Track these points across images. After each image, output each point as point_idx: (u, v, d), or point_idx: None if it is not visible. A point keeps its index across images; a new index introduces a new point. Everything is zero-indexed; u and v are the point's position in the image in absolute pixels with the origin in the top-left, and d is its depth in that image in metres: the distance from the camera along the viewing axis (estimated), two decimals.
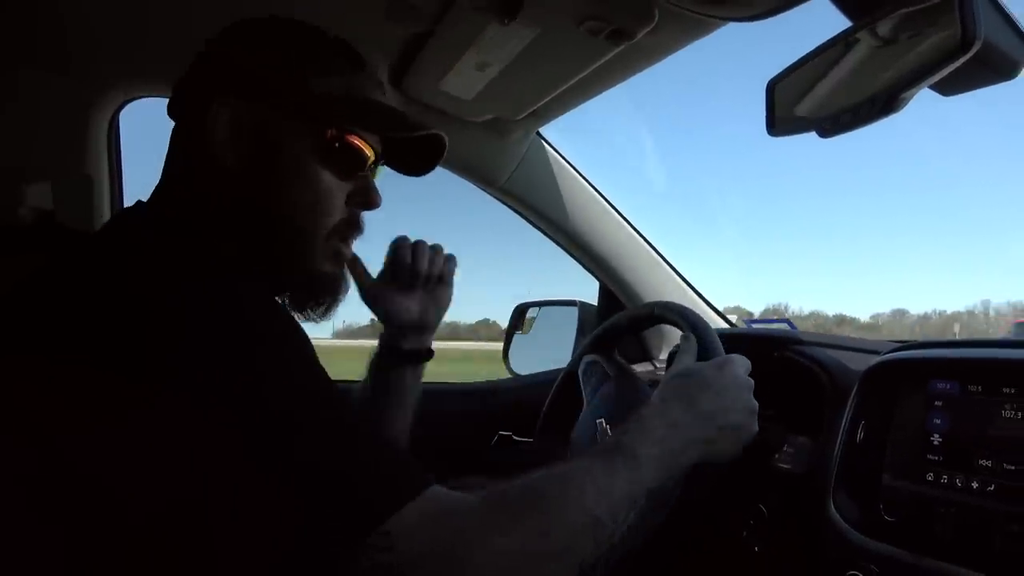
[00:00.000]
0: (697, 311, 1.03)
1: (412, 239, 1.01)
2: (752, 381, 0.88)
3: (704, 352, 0.93)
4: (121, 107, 1.32)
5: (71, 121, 1.26)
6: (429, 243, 1.02)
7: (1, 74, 1.20)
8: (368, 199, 0.76)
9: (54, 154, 1.27)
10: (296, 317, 0.77)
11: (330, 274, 0.76)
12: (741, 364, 0.89)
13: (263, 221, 0.70)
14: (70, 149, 1.28)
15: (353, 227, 0.76)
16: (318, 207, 0.71)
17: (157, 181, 0.74)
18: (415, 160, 0.83)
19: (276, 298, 0.74)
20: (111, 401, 0.52)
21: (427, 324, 1.04)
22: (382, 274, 1.02)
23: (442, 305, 1.05)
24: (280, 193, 0.70)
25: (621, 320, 1.17)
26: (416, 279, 1.00)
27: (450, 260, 1.03)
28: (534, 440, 1.18)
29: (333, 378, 0.61)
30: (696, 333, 0.96)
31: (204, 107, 0.69)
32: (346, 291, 0.79)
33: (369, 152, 0.74)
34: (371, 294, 1.00)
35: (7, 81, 1.21)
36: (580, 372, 1.13)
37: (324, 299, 0.77)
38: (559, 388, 1.20)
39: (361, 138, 0.73)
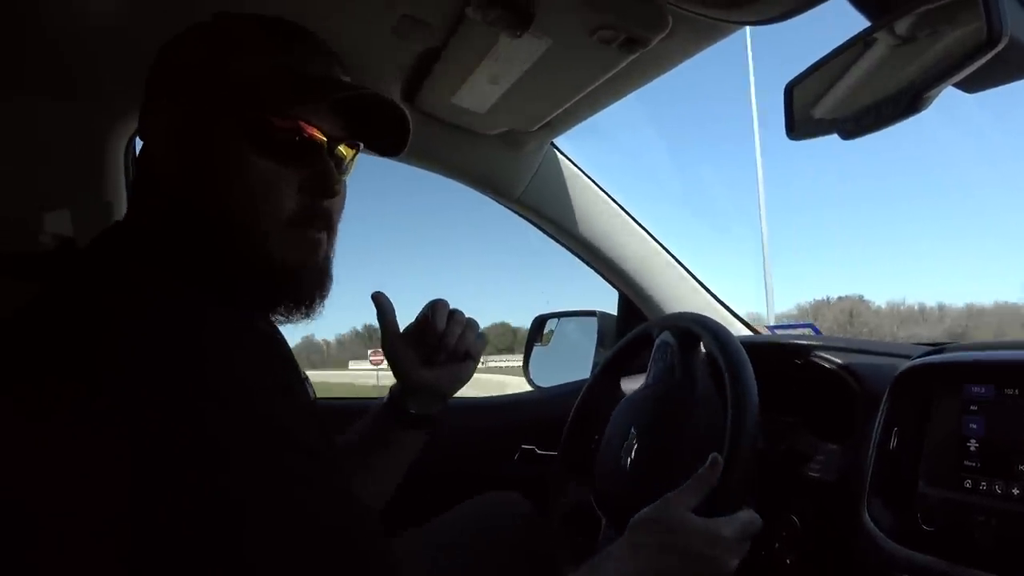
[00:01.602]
0: (719, 319, 1.01)
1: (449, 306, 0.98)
2: (747, 544, 0.81)
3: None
4: (137, 132, 1.33)
5: (88, 148, 1.28)
6: (466, 316, 0.99)
7: (19, 104, 1.22)
8: (322, 185, 0.68)
9: (73, 181, 1.29)
10: (279, 321, 0.73)
11: (294, 268, 0.68)
12: (738, 528, 0.79)
13: (205, 222, 0.65)
14: (88, 175, 1.29)
15: (315, 214, 0.69)
16: (258, 199, 0.65)
17: None
18: (384, 136, 0.76)
19: (248, 321, 0.69)
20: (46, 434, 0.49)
21: (442, 394, 1.01)
22: (410, 328, 0.99)
23: (463, 380, 1.02)
24: (217, 188, 0.65)
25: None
26: (444, 349, 0.98)
27: (480, 337, 1.01)
28: (558, 453, 1.17)
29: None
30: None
31: (144, 117, 0.68)
32: (327, 285, 0.72)
33: (319, 135, 0.68)
34: (394, 346, 0.98)
35: (26, 110, 1.23)
36: (653, 349, 1.05)
37: (296, 296, 0.70)
38: (583, 400, 1.18)
39: (308, 122, 0.67)
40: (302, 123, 0.66)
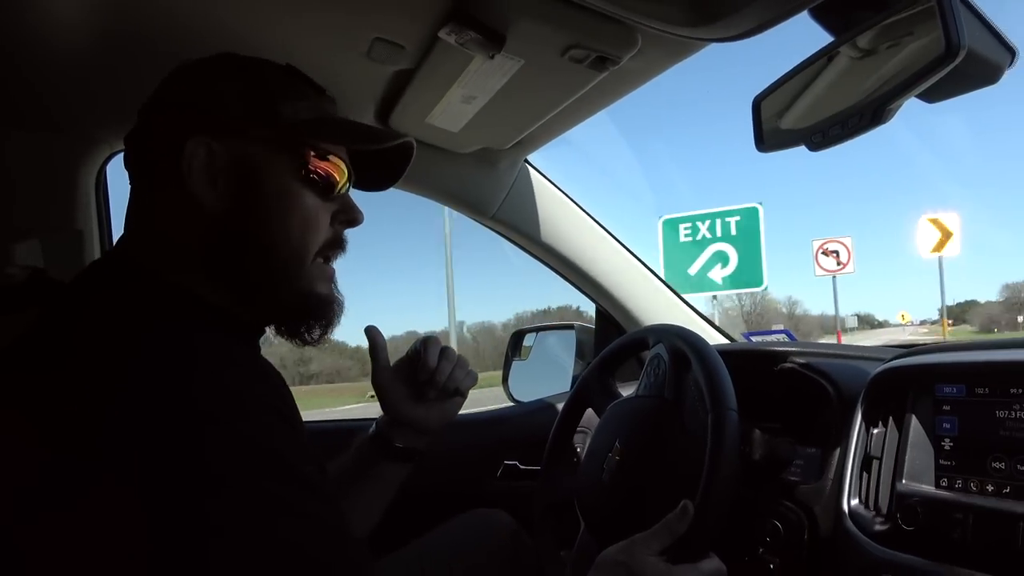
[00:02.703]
0: (695, 329, 1.02)
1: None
2: None
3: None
4: (108, 160, 1.32)
5: (59, 177, 1.26)
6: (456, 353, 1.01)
7: None
8: (352, 216, 0.78)
9: (43, 211, 1.27)
10: (296, 344, 0.77)
11: (324, 295, 0.76)
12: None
13: (255, 252, 0.70)
14: (59, 205, 1.27)
15: (337, 246, 0.78)
16: (307, 229, 0.73)
17: None
18: (382, 173, 0.85)
19: (259, 355, 0.74)
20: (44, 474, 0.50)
21: (428, 429, 1.02)
22: (401, 363, 1.01)
23: (449, 416, 1.03)
24: (269, 221, 0.70)
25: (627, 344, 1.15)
26: (434, 386, 0.99)
27: (470, 375, 1.02)
28: (541, 468, 1.17)
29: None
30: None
31: (174, 152, 0.68)
32: (341, 312, 0.79)
33: (342, 171, 0.76)
34: (384, 380, 0.99)
35: None
36: (647, 359, 1.06)
37: (319, 320, 0.76)
38: (566, 413, 1.18)
39: (333, 158, 0.74)
40: (336, 161, 0.74)
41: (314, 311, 0.76)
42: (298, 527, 0.54)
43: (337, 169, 0.75)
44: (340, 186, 0.76)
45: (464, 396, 1.03)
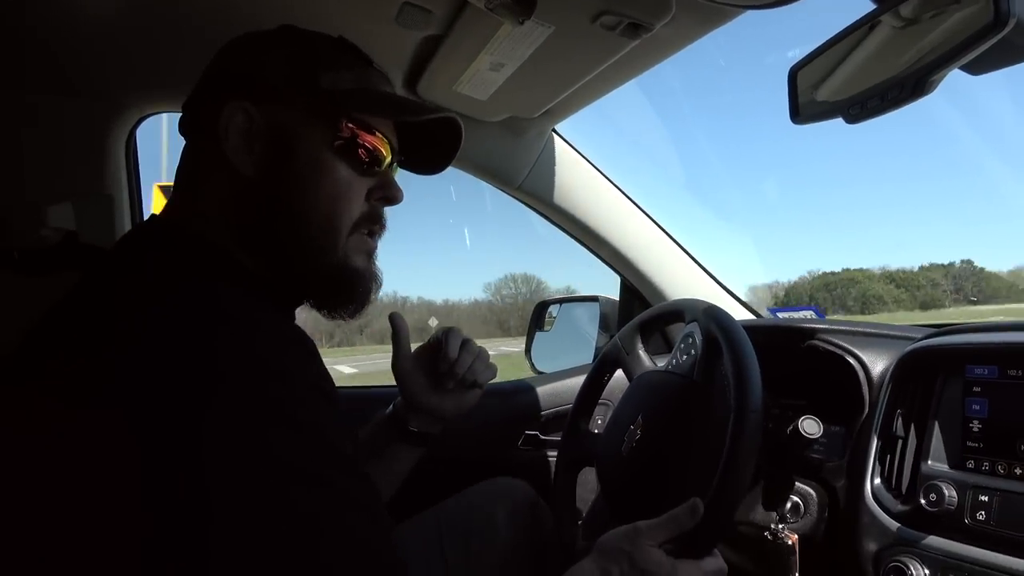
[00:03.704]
0: (723, 305, 1.00)
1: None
2: None
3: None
4: (137, 124, 1.33)
5: (89, 142, 1.28)
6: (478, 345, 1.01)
7: (20, 100, 1.22)
8: (390, 194, 0.76)
9: (74, 175, 1.29)
10: (327, 318, 0.77)
11: (359, 268, 0.75)
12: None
13: (286, 219, 0.70)
14: (89, 169, 1.29)
15: (375, 221, 0.76)
16: (339, 200, 0.71)
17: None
18: (432, 154, 0.83)
19: (295, 323, 0.73)
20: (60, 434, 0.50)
21: (444, 417, 1.03)
22: (421, 351, 1.02)
23: (466, 407, 1.04)
24: (301, 189, 0.70)
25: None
26: (453, 377, 1.00)
27: (489, 368, 1.03)
28: (566, 425, 1.17)
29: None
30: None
31: (215, 116, 0.69)
32: (378, 288, 0.78)
33: (386, 148, 0.74)
34: (404, 367, 1.00)
35: (27, 107, 1.23)
36: (681, 335, 1.03)
37: (353, 295, 0.75)
38: (595, 371, 1.18)
39: (378, 134, 0.73)
40: (379, 136, 0.73)
41: (347, 284, 0.75)
42: (337, 502, 0.54)
43: (378, 143, 0.73)
44: (382, 162, 0.74)
45: (482, 388, 1.05)
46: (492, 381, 1.06)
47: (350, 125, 0.71)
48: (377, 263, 0.78)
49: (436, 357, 1.00)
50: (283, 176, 0.70)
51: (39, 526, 0.50)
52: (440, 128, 0.79)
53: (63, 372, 0.53)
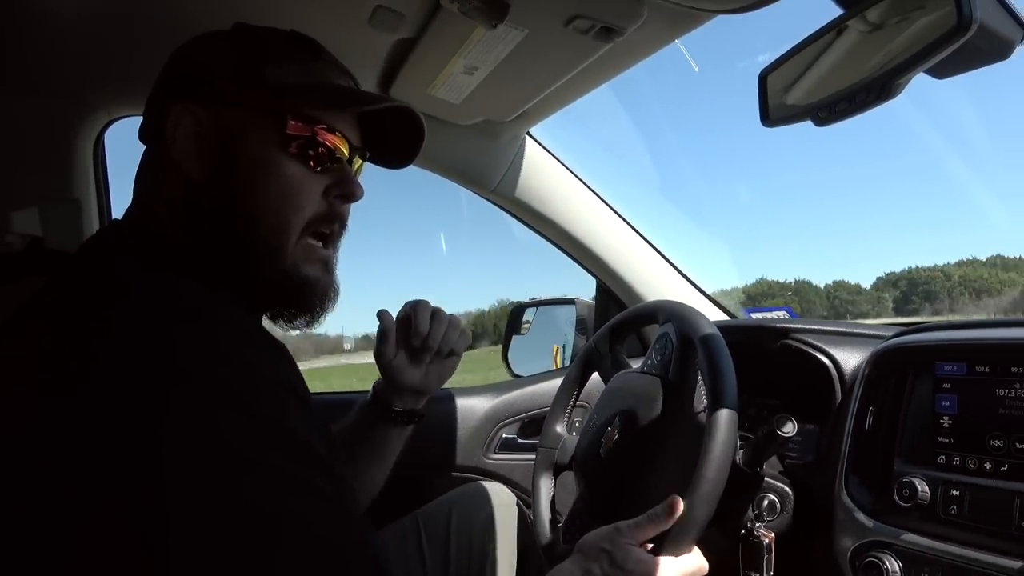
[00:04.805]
0: (695, 305, 1.01)
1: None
2: None
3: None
4: (106, 127, 1.31)
5: (56, 145, 1.25)
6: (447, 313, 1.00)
7: None
8: (348, 190, 0.73)
9: (40, 179, 1.26)
10: (283, 328, 0.74)
11: (309, 276, 0.71)
12: (679, 573, 0.77)
13: (237, 223, 0.68)
14: (56, 173, 1.26)
15: (333, 220, 0.73)
16: (290, 198, 0.69)
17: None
18: (397, 148, 0.82)
19: (261, 328, 0.70)
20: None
21: (426, 390, 1.02)
22: (395, 332, 1.00)
23: (446, 377, 1.04)
24: (251, 190, 0.68)
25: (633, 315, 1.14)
26: (429, 350, 0.99)
27: (463, 335, 1.02)
28: (543, 427, 1.17)
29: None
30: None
31: (164, 120, 0.68)
32: (334, 297, 0.75)
33: (341, 142, 0.72)
34: (386, 354, 0.99)
35: None
36: (655, 336, 1.03)
37: (303, 305, 0.73)
38: (572, 374, 1.18)
39: (334, 130, 0.71)
40: (332, 131, 0.70)
41: (296, 292, 0.71)
42: (312, 505, 0.53)
43: (331, 138, 0.70)
44: (337, 157, 0.71)
45: (459, 356, 1.04)
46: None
47: (298, 121, 0.68)
48: (335, 273, 0.75)
49: (408, 334, 0.99)
50: (231, 179, 0.68)
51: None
52: (402, 120, 0.77)
53: (29, 375, 0.52)
